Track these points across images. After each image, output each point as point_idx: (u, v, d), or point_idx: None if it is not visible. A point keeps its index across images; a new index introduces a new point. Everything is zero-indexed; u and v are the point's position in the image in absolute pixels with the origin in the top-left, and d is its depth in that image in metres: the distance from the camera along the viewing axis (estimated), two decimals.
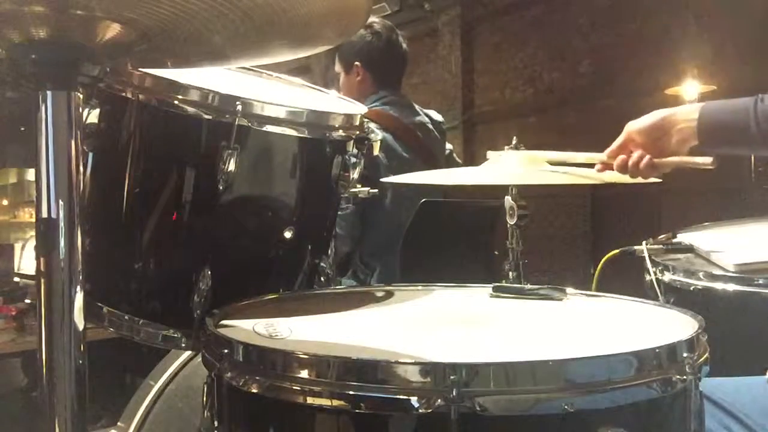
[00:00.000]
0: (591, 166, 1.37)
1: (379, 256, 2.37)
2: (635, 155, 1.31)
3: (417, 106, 2.61)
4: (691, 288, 1.45)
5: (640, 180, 1.34)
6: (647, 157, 1.29)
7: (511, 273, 1.39)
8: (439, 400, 0.77)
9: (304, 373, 0.84)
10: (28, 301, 2.89)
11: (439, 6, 6.87)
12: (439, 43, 7.01)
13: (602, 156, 1.35)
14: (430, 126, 2.57)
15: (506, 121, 6.48)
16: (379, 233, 2.38)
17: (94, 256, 0.94)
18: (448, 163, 2.67)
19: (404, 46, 2.57)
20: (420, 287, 1.37)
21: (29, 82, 0.81)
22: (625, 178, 1.34)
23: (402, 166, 2.23)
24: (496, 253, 2.38)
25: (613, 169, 1.34)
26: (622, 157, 1.32)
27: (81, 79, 0.82)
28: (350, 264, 2.37)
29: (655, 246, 1.62)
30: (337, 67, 2.55)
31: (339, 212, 2.26)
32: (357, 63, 2.48)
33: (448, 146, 2.72)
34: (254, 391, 0.87)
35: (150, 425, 1.45)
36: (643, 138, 1.30)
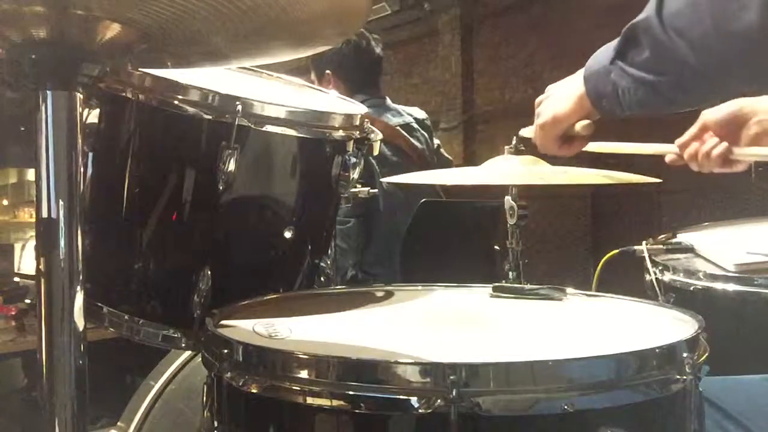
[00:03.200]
0: (661, 157, 1.29)
1: (379, 264, 2.37)
2: (708, 144, 1.19)
3: (398, 107, 2.61)
4: (691, 288, 1.45)
5: (640, 180, 1.33)
6: (723, 145, 1.17)
7: (511, 273, 1.39)
8: (439, 401, 0.77)
9: (303, 373, 0.84)
10: (28, 301, 2.88)
11: (439, 6, 6.86)
12: (439, 43, 7.01)
13: (673, 147, 1.25)
14: (415, 125, 2.57)
15: (506, 121, 6.47)
16: (377, 243, 2.38)
17: (94, 256, 0.94)
18: (437, 157, 2.67)
19: (377, 50, 2.59)
20: (420, 287, 1.37)
21: (29, 82, 0.81)
22: (626, 178, 1.34)
23: (392, 172, 2.22)
24: (497, 248, 2.38)
25: (684, 161, 1.24)
26: (694, 145, 1.21)
27: (81, 79, 0.82)
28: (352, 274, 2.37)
29: (655, 246, 1.62)
30: (312, 75, 2.57)
31: (341, 226, 2.27)
32: (327, 71, 2.51)
33: (435, 141, 2.72)
34: (254, 391, 0.87)
35: (150, 425, 1.45)
36: (719, 129, 1.19)
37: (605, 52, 1.01)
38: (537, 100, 1.18)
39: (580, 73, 1.07)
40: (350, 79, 2.52)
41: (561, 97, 1.12)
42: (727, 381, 1.15)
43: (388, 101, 2.61)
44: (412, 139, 2.52)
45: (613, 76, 0.98)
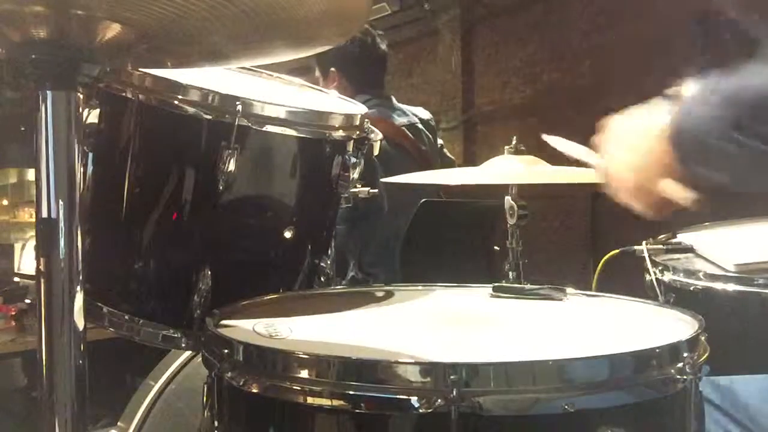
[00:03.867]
0: None
1: (379, 264, 2.37)
2: None
3: (403, 106, 2.60)
4: (691, 288, 1.45)
5: None
6: None
7: (511, 273, 1.39)
8: (440, 400, 0.77)
9: (304, 373, 0.84)
10: (28, 301, 2.88)
11: (439, 6, 6.87)
12: (439, 43, 7.01)
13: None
14: (420, 126, 2.57)
15: (506, 121, 6.48)
16: (378, 243, 2.38)
17: (94, 256, 0.94)
18: (440, 158, 2.67)
19: (382, 47, 2.58)
20: (420, 287, 1.37)
21: (29, 82, 0.81)
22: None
23: (396, 172, 2.21)
24: (497, 248, 2.38)
25: None
26: None
27: (81, 79, 0.82)
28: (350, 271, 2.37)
29: (655, 246, 1.61)
30: (317, 73, 2.57)
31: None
32: (332, 69, 2.50)
33: (439, 141, 2.72)
34: (254, 391, 0.87)
35: (150, 425, 1.45)
36: None
37: (706, 114, 0.87)
38: (600, 137, 1.04)
39: (652, 117, 0.94)
40: (355, 76, 2.52)
41: (636, 153, 0.97)
42: (728, 381, 1.15)
43: (394, 101, 2.60)
44: (416, 140, 2.52)
45: (725, 148, 0.85)
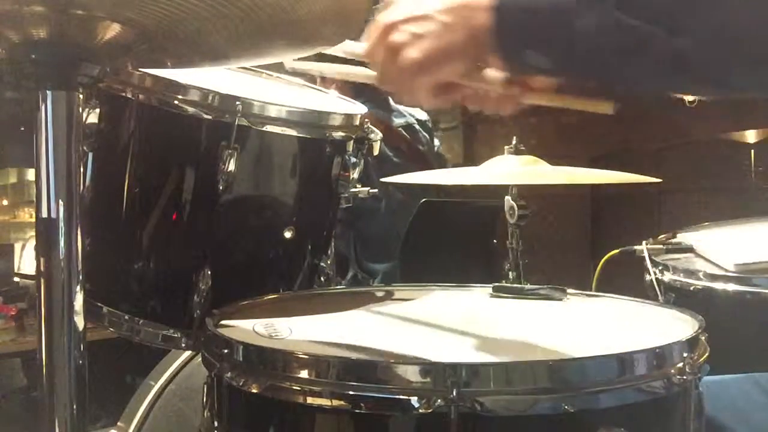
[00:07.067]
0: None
1: (379, 264, 2.37)
2: None
3: (400, 107, 2.60)
4: (691, 288, 1.45)
5: (640, 180, 1.33)
6: None
7: (511, 273, 1.39)
8: (439, 400, 0.77)
9: (304, 373, 0.84)
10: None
11: None
12: None
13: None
14: (417, 126, 2.57)
15: (506, 121, 6.48)
16: (377, 243, 2.38)
17: (94, 256, 0.94)
18: (436, 159, 2.67)
19: None
20: (420, 287, 1.37)
21: (29, 82, 0.81)
22: (626, 178, 1.34)
23: (393, 172, 2.21)
24: (495, 242, 2.37)
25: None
26: None
27: (81, 79, 0.82)
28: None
29: (655, 246, 1.62)
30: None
31: None
32: None
33: (435, 143, 2.72)
34: (254, 391, 0.87)
35: (150, 425, 1.45)
36: None
37: None
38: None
39: None
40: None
41: (448, 26, 0.75)
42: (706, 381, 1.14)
43: (391, 102, 2.60)
44: (413, 140, 2.53)
45: (582, 22, 0.67)
